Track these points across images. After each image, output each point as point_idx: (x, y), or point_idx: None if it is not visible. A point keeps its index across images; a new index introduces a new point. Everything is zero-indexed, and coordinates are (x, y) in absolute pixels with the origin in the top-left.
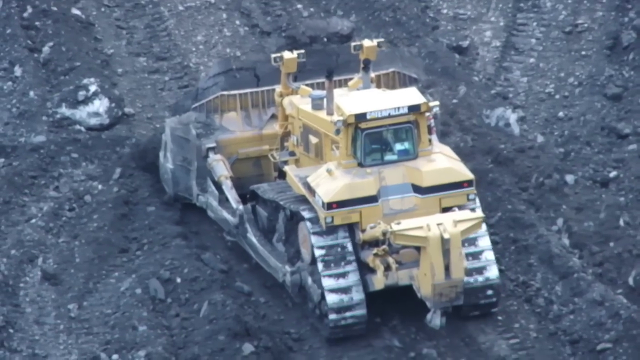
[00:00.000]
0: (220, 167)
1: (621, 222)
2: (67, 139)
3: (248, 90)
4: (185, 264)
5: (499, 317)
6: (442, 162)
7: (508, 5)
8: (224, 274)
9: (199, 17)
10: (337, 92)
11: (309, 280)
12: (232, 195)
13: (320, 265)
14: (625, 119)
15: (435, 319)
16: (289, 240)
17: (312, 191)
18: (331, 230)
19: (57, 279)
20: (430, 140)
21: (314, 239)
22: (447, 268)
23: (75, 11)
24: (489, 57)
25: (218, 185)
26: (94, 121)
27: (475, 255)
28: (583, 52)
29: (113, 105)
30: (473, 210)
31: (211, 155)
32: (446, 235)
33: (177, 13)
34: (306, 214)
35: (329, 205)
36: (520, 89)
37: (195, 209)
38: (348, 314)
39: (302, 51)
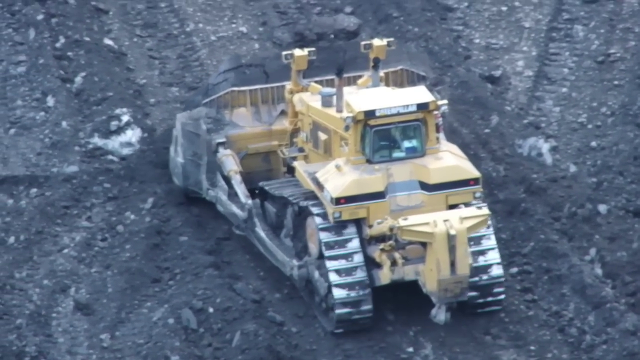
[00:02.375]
0: (230, 162)
1: None
2: (99, 169)
3: (258, 87)
4: (217, 294)
5: (532, 347)
6: (449, 159)
7: (540, 35)
8: (256, 304)
9: (231, 47)
10: (347, 90)
11: (316, 274)
12: (241, 189)
13: (327, 260)
14: None
15: (440, 315)
16: (296, 236)
17: (320, 186)
18: (339, 225)
19: (90, 308)
20: (437, 138)
21: (322, 234)
22: (452, 264)
23: (107, 41)
24: (521, 86)
25: (227, 180)
26: (126, 151)
27: (481, 254)
28: (615, 82)
29: (145, 135)
30: (480, 207)
31: (221, 150)
32: (452, 232)
33: (209, 43)
34: (314, 209)
35: (337, 201)
36: (552, 118)
37: (227, 240)
38: (354, 309)
39: (313, 49)
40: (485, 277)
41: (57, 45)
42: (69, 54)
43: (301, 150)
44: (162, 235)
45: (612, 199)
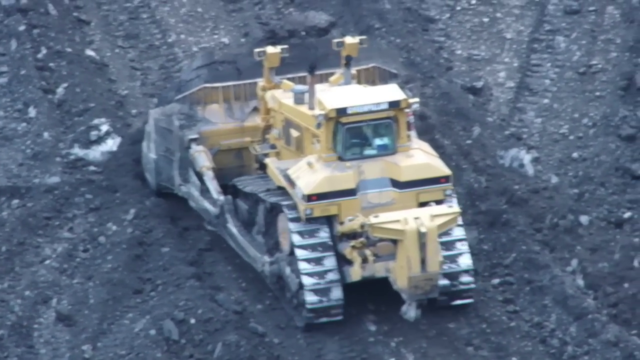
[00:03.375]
0: (202, 158)
1: (636, 263)
2: (81, 180)
3: (231, 83)
4: (199, 305)
5: (514, 358)
6: (420, 157)
7: (522, 46)
8: (238, 315)
9: None
10: (319, 87)
11: (287, 270)
12: (213, 185)
13: (298, 255)
14: (639, 160)
15: (410, 311)
16: (268, 232)
17: (292, 183)
18: (310, 222)
19: (72, 320)
20: (409, 136)
21: (293, 230)
22: (423, 261)
23: (89, 52)
24: (503, 97)
25: (200, 176)
26: (106, 160)
27: (449, 245)
28: (597, 93)
29: (126, 146)
30: (450, 205)
31: (193, 146)
32: (423, 229)
33: (191, 54)
34: (286, 206)
35: (309, 198)
36: (534, 129)
37: (209, 251)
38: (324, 297)
39: (285, 46)
40: (454, 266)
41: (39, 56)
42: (51, 64)
43: (273, 147)
44: (144, 246)
45: (594, 210)
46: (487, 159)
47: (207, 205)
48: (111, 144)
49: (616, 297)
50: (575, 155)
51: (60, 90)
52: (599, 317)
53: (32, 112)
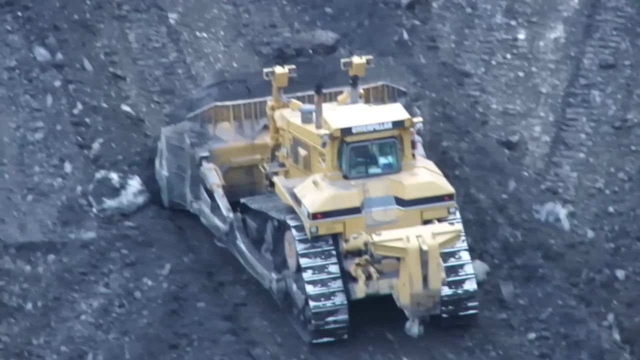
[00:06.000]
0: (213, 176)
1: None
2: (116, 235)
3: (241, 102)
4: None
5: None
6: (424, 175)
7: (557, 101)
8: None
9: None
10: (326, 107)
11: (294, 287)
12: (223, 203)
13: (304, 273)
14: None
15: (413, 328)
16: (276, 250)
17: (298, 202)
18: (316, 239)
19: None
20: (413, 155)
21: (299, 248)
22: (425, 279)
23: (125, 107)
24: (538, 152)
25: (210, 193)
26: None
27: (455, 269)
28: (633, 147)
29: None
30: (452, 223)
31: (204, 163)
32: (424, 247)
33: None
34: (292, 224)
35: (314, 216)
36: (570, 184)
37: (244, 305)
38: (330, 318)
39: (293, 66)
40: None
41: (75, 111)
42: (86, 120)
43: (282, 165)
44: (180, 301)
45: (630, 264)
46: (522, 214)
47: (217, 222)
48: (140, 200)
49: None
50: (611, 209)
51: (95, 145)
52: None
53: (67, 167)
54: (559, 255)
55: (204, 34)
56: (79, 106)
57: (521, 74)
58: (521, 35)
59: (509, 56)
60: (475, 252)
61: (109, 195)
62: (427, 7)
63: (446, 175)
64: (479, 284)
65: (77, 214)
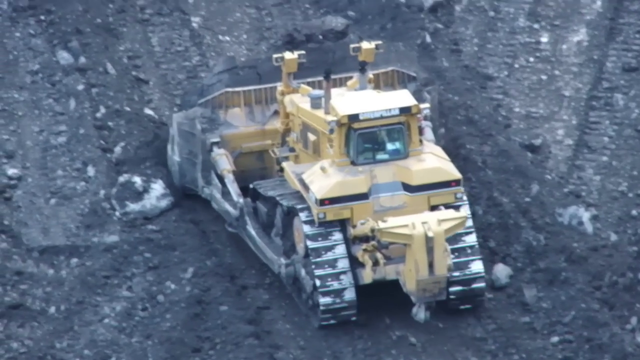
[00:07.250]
0: (224, 161)
1: None
2: (139, 239)
3: (252, 88)
4: None
5: None
6: (431, 161)
7: (580, 104)
8: None
9: None
10: (335, 92)
11: (303, 272)
12: (233, 188)
13: (312, 258)
14: None
15: (419, 313)
16: (285, 235)
17: (306, 187)
18: (324, 225)
19: None
20: (420, 141)
21: (307, 233)
22: (430, 265)
23: (148, 111)
24: (561, 155)
25: (221, 178)
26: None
27: (461, 251)
28: None
29: (180, 204)
30: (457, 209)
31: (215, 149)
32: (430, 234)
33: None
34: (300, 209)
35: (322, 202)
36: (593, 187)
37: (267, 309)
38: (337, 298)
39: (303, 52)
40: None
41: (98, 115)
42: (109, 123)
43: (292, 150)
44: (203, 304)
45: None
46: (545, 217)
47: (228, 207)
48: (166, 202)
49: None
50: (634, 212)
51: (118, 149)
52: None
53: (90, 171)
54: (582, 258)
55: (227, 37)
56: (102, 110)
57: (544, 77)
58: (544, 39)
59: (531, 59)
60: (499, 256)
61: (132, 198)
62: (450, 10)
63: (469, 179)
64: (501, 287)
65: (100, 218)
